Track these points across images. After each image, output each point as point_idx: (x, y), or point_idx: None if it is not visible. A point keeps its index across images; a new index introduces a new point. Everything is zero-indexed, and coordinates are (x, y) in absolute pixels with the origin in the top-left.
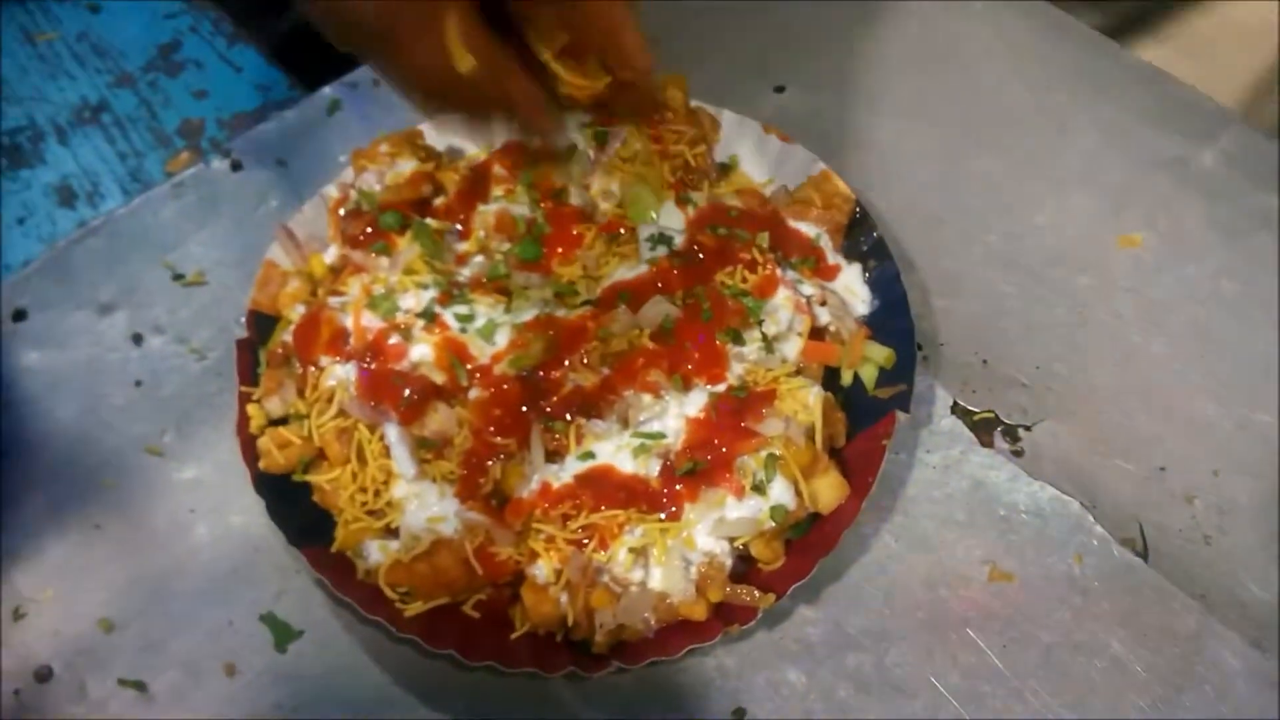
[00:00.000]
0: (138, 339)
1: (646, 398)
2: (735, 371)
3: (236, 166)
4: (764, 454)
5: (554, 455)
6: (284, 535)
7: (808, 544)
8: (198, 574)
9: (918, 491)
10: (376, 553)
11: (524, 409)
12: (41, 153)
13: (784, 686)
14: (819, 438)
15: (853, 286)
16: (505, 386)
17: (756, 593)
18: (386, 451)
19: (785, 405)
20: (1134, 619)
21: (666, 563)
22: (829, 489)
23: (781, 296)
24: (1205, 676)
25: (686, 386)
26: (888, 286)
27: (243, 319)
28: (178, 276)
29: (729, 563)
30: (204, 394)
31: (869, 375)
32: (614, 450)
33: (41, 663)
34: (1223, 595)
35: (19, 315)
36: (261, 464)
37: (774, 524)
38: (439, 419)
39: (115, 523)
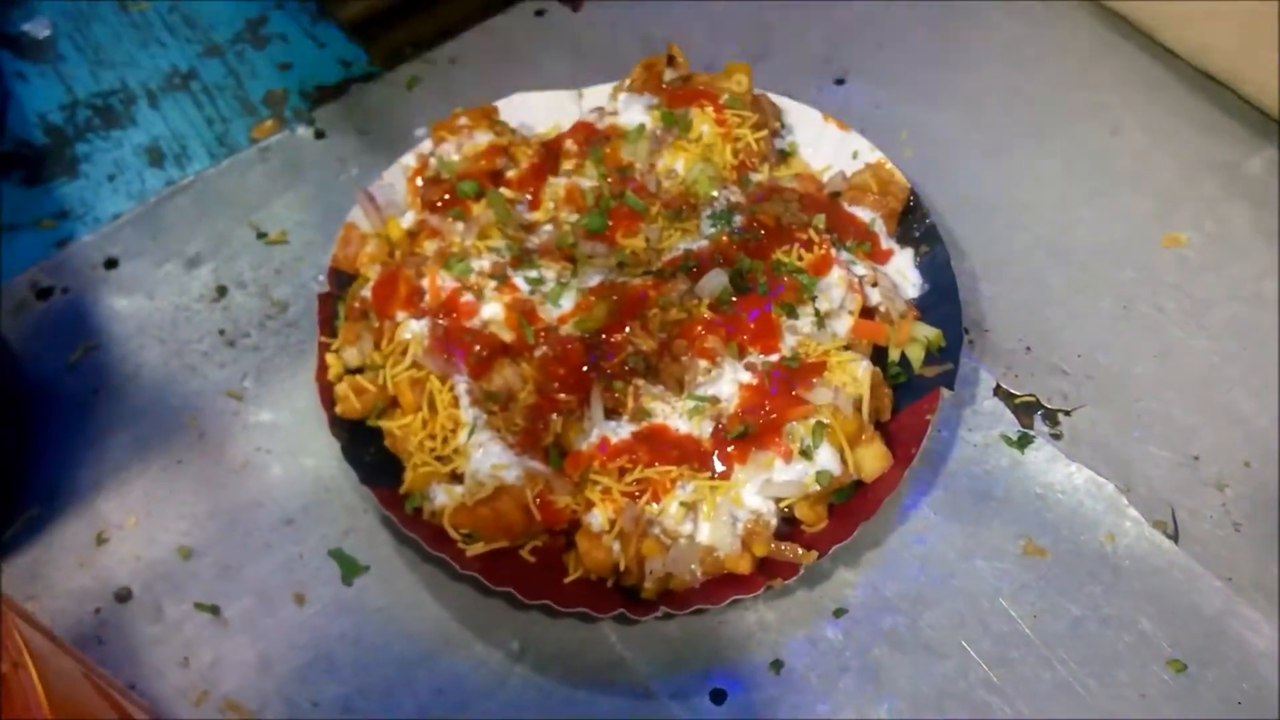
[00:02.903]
0: (222, 291)
1: (703, 363)
2: (788, 343)
3: (320, 135)
4: (812, 421)
5: (612, 413)
6: (356, 475)
7: (850, 509)
8: (271, 509)
9: (958, 467)
10: (442, 496)
11: (586, 369)
12: (133, 115)
13: (821, 642)
14: (866, 409)
15: (904, 270)
16: (569, 347)
17: (800, 550)
18: (456, 402)
19: (835, 377)
20: (1162, 597)
21: (715, 518)
22: (873, 458)
23: (835, 275)
24: (1228, 655)
25: (741, 355)
26: (938, 271)
27: (321, 276)
28: (261, 235)
29: (774, 522)
30: (282, 345)
31: (916, 355)
32: (669, 411)
33: (122, 585)
34: (1249, 579)
35: (110, 264)
36: (338, 409)
37: (819, 487)
38: (506, 374)
39: (196, 459)
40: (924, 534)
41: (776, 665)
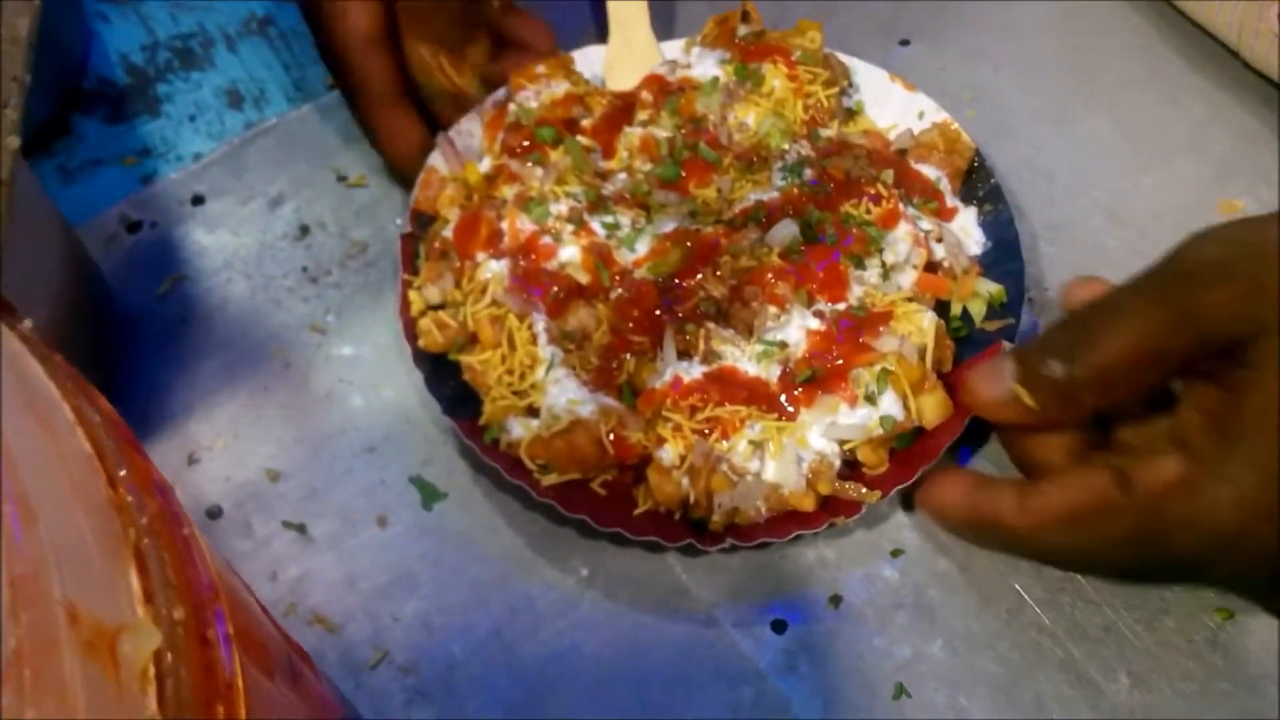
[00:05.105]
0: (305, 230)
1: (772, 309)
2: (855, 293)
3: None
4: (877, 368)
5: (684, 355)
6: (439, 405)
7: (910, 454)
8: (354, 437)
9: None
10: (519, 428)
11: (659, 311)
12: (212, 57)
13: (878, 580)
14: (929, 358)
15: (968, 228)
16: (643, 290)
17: (863, 489)
18: (534, 339)
19: (900, 326)
20: None
21: (781, 457)
22: (934, 406)
23: (902, 230)
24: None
25: (809, 302)
26: (1001, 229)
27: (399, 219)
28: (341, 178)
29: (837, 463)
30: (362, 283)
31: (977, 310)
32: (739, 354)
33: (212, 502)
34: None
35: (197, 200)
36: (421, 342)
37: (882, 432)
38: (581, 314)
39: (281, 387)
40: None
41: (835, 600)
